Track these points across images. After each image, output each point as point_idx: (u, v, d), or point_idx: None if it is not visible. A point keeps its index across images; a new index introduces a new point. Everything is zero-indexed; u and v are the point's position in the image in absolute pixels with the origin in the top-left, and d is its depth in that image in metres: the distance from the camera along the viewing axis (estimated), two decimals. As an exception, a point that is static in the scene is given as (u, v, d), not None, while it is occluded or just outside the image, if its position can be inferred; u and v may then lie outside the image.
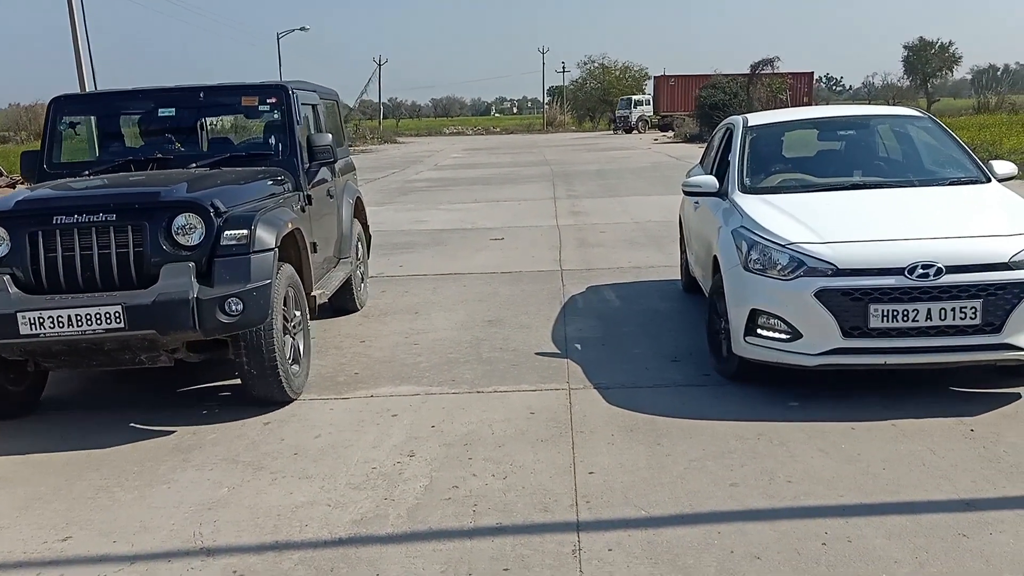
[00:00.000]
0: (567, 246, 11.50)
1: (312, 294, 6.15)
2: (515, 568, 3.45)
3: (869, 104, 54.64)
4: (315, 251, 6.52)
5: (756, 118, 7.18)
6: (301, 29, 57.37)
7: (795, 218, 5.43)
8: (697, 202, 7.03)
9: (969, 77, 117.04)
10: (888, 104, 40.00)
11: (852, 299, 4.85)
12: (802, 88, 54.09)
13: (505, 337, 6.94)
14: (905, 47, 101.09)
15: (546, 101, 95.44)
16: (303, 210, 6.41)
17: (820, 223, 5.32)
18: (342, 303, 7.79)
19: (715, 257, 5.87)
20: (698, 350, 6.36)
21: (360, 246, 8.34)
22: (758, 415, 5.02)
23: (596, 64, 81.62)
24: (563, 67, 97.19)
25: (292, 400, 5.48)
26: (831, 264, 4.93)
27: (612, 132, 60.44)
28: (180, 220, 5.04)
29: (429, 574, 3.43)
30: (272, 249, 5.20)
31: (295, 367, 5.62)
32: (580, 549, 3.58)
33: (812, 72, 59.50)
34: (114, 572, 3.56)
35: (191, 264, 4.96)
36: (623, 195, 17.88)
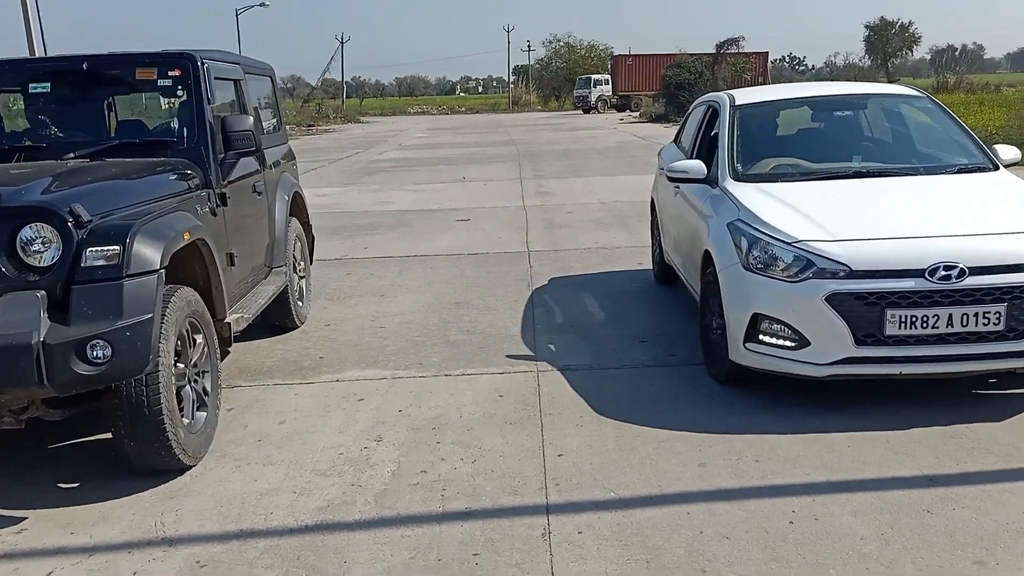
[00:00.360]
0: (534, 227, 11.47)
1: (225, 320, 4.99)
2: (485, 552, 3.44)
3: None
4: (232, 264, 5.35)
5: (743, 96, 6.60)
6: (261, 5, 56.61)
7: (798, 211, 4.98)
8: (678, 186, 6.45)
9: (928, 57, 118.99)
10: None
11: (867, 304, 4.44)
12: (758, 68, 53.92)
13: (472, 319, 6.91)
14: (866, 27, 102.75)
15: (511, 80, 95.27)
16: (214, 213, 5.19)
17: (828, 217, 4.87)
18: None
19: (706, 252, 5.36)
20: (665, 331, 6.39)
21: (299, 251, 7.14)
22: (725, 394, 5.04)
23: (562, 43, 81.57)
24: (528, 46, 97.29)
25: (189, 467, 4.28)
26: (844, 265, 4.50)
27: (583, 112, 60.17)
28: (27, 232, 3.80)
29: (397, 560, 3.41)
30: (156, 271, 3.95)
31: (196, 417, 4.44)
32: (550, 532, 3.57)
33: (767, 52, 58.58)
34: (72, 564, 3.51)
35: (40, 293, 3.73)
36: (589, 175, 17.87)
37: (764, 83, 49.52)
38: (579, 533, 3.55)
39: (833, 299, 4.48)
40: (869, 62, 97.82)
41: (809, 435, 4.42)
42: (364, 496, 3.95)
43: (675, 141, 7.95)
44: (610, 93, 60.59)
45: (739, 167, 5.74)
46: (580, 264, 8.90)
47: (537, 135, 34.73)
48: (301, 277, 7.10)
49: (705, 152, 6.47)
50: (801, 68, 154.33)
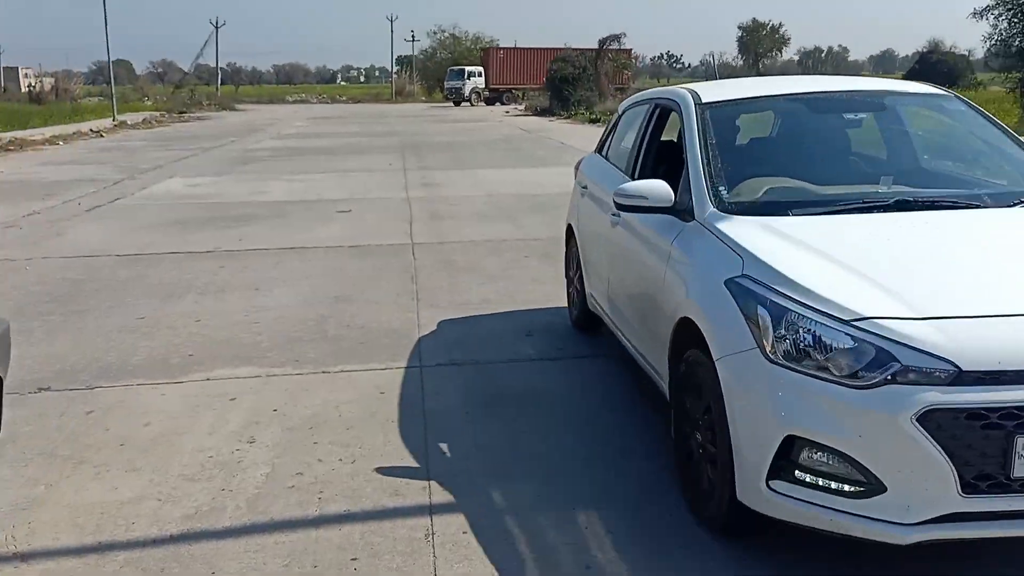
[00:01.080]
0: (418, 219, 11.33)
1: None
2: (364, 557, 3.32)
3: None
4: None
5: (710, 92, 4.77)
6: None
7: (842, 264, 3.27)
8: (617, 214, 4.73)
9: (796, 58, 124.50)
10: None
11: (986, 427, 2.76)
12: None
13: (353, 314, 6.75)
14: (740, 27, 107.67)
15: (395, 70, 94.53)
16: None
17: (896, 276, 3.18)
18: None
19: (683, 321, 3.65)
20: (551, 323, 6.38)
21: None
22: (612, 386, 5.05)
23: (446, 34, 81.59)
24: (412, 36, 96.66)
25: None
26: (949, 363, 2.78)
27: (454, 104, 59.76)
28: None
29: (271, 569, 3.26)
30: None
31: None
32: (433, 533, 3.48)
33: (631, 49, 55.89)
34: (-93, 585, 3.23)
35: None
36: (475, 167, 17.83)
37: (628, 80, 49.91)
38: (463, 533, 3.47)
39: (930, 419, 2.75)
40: (742, 61, 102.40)
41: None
42: (235, 501, 3.77)
43: (599, 151, 6.28)
44: (483, 86, 60.58)
45: (723, 192, 3.99)
46: (465, 257, 8.82)
47: (421, 126, 34.52)
48: None
49: (650, 168, 4.96)
50: (678, 66, 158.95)
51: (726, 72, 78.47)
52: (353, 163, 18.98)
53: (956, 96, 4.91)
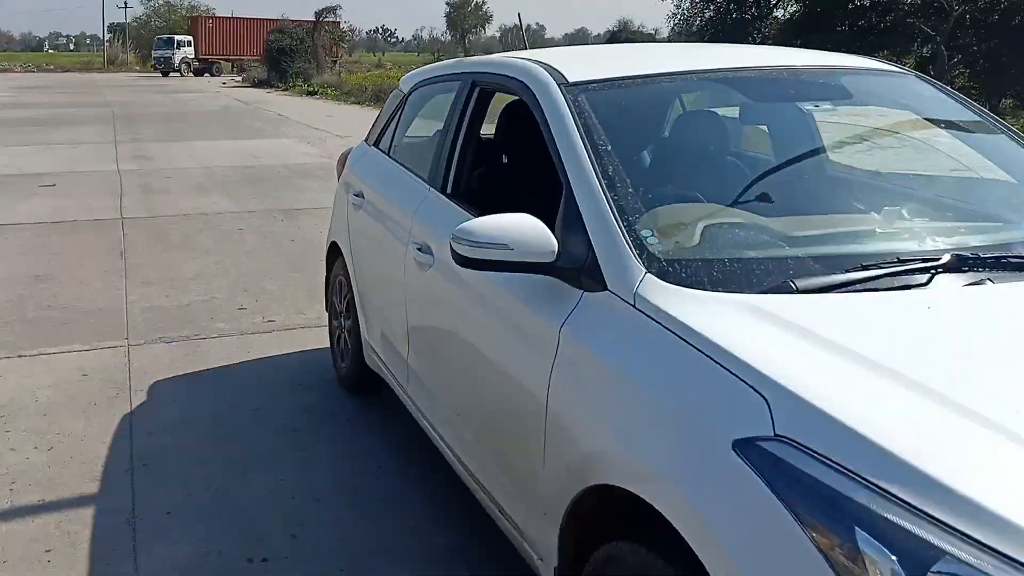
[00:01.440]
0: (129, 193, 10.50)
1: None
2: (60, 547, 3.05)
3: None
4: None
5: (574, 67, 2.78)
6: None
7: (994, 425, 1.42)
8: (426, 249, 3.02)
9: (498, 35, 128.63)
10: (438, 59, 32.36)
11: None
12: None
13: (54, 294, 6.14)
14: (447, 3, 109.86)
15: (107, 39, 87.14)
16: None
17: None
18: None
19: (598, 489, 1.89)
20: (264, 292, 6.14)
21: None
22: (320, 359, 4.94)
23: (161, 2, 76.29)
24: (125, 3, 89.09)
25: None
26: None
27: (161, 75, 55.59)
28: None
29: (-47, 571, 2.91)
30: None
31: None
32: (135, 517, 3.25)
33: (339, 22, 48.89)
34: None
35: None
36: (190, 139, 16.77)
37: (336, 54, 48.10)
38: (168, 514, 3.27)
39: None
40: (450, 37, 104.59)
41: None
42: (-87, 502, 3.33)
43: (376, 144, 4.31)
44: (193, 55, 57.18)
45: (651, 241, 2.12)
46: (179, 231, 8.28)
47: (135, 96, 32.00)
48: None
49: (466, 178, 3.26)
50: (393, 40, 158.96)
51: (435, 48, 79.28)
52: (60, 135, 17.26)
53: (916, 74, 3.15)
